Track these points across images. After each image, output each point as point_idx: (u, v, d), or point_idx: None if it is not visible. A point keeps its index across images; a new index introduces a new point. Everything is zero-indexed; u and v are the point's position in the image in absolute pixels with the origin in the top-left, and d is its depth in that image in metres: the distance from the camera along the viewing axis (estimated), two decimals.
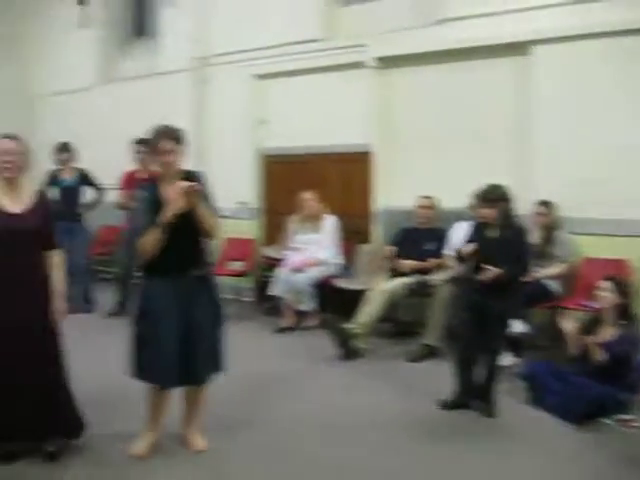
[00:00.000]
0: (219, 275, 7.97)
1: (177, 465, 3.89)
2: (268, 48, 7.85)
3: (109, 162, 8.07)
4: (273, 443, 4.17)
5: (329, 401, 4.93)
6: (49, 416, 3.87)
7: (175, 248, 3.80)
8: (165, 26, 9.24)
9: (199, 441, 4.11)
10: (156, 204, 3.79)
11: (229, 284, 7.86)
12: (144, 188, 3.95)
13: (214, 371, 4.02)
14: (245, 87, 8.22)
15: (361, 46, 7.23)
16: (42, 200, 3.97)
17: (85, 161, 8.16)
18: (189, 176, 3.88)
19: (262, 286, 7.68)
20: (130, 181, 7.27)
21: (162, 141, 3.83)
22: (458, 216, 6.16)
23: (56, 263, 3.97)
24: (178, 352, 3.82)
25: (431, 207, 6.56)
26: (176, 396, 4.08)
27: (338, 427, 4.42)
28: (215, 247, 5.00)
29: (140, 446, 3.98)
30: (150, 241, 3.77)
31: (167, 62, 9.04)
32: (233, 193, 7.83)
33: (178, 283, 3.85)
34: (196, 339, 3.87)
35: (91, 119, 9.84)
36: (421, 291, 6.11)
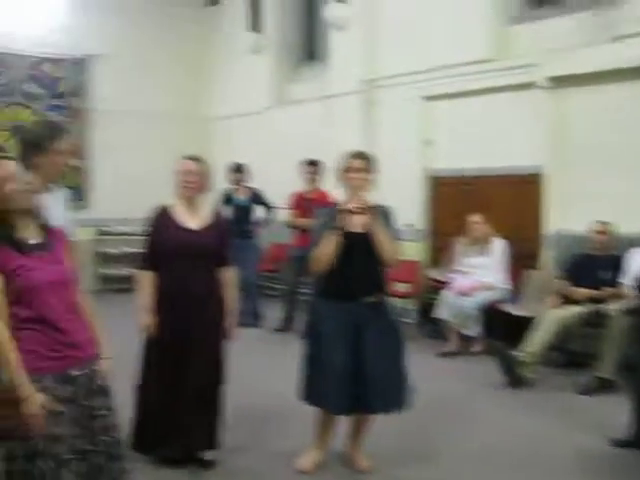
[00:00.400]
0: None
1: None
2: (436, 69, 7.82)
3: (279, 182, 8.37)
4: (439, 472, 4.14)
5: (492, 430, 4.81)
6: (207, 427, 4.02)
7: (350, 272, 3.82)
8: (335, 49, 9.45)
9: (363, 461, 4.11)
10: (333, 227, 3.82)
11: (393, 305, 7.87)
12: (325, 211, 4.03)
13: (391, 405, 3.96)
14: (413, 108, 8.23)
15: (532, 66, 7.04)
16: (218, 219, 4.17)
17: (257, 181, 8.49)
18: (375, 209, 3.89)
19: (426, 308, 7.61)
20: (299, 201, 7.48)
21: (354, 160, 3.92)
22: (637, 242, 5.83)
23: (229, 280, 4.13)
24: (348, 379, 3.79)
25: (607, 233, 6.24)
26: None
27: (501, 457, 4.32)
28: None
29: (307, 462, 4.04)
30: (324, 251, 3.79)
31: (337, 85, 9.23)
32: (400, 214, 7.78)
33: (350, 309, 3.85)
34: (367, 368, 3.81)
35: (263, 141, 10.22)
36: (595, 321, 5.82)
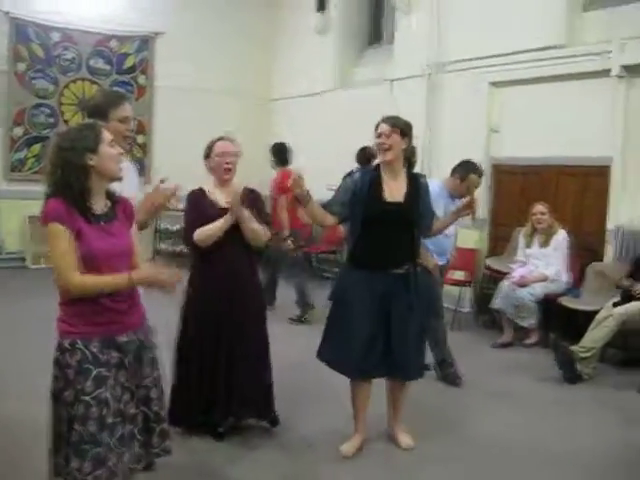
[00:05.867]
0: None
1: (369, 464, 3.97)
2: (504, 55, 7.65)
3: (338, 165, 8.29)
4: (474, 460, 4.09)
5: (543, 424, 4.73)
6: (264, 397, 4.21)
7: (383, 242, 3.84)
8: (400, 33, 9.34)
9: (405, 438, 4.17)
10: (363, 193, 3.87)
11: (449, 293, 7.78)
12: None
13: (413, 374, 4.07)
14: (479, 95, 8.07)
15: (605, 53, 6.80)
16: (250, 195, 4.18)
17: (315, 163, 8.43)
18: (414, 177, 3.99)
19: (483, 298, 7.51)
20: None
21: (381, 124, 3.93)
22: None
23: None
24: (371, 345, 3.84)
25: None
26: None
27: (551, 451, 4.25)
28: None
29: (349, 447, 4.06)
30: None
31: (401, 68, 9.14)
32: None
33: (379, 278, 3.86)
34: (393, 336, 3.87)
35: (324, 123, 10.18)
36: None
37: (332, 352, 3.96)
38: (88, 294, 2.62)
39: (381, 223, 3.84)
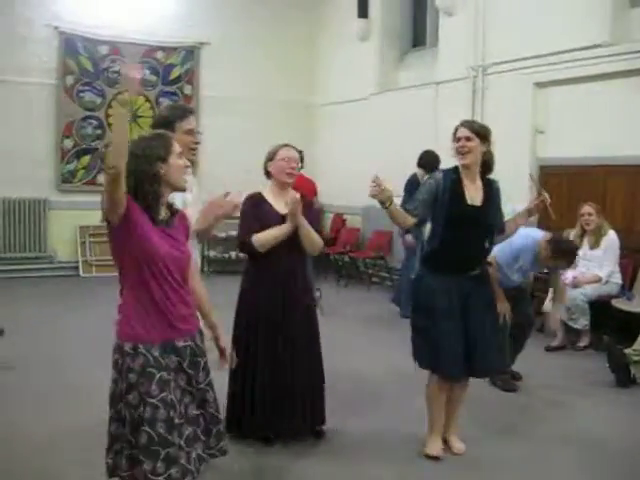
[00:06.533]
0: None
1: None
2: (548, 55, 7.59)
3: (383, 169, 8.29)
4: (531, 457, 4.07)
5: (592, 428, 4.67)
6: (315, 403, 4.24)
7: (462, 246, 3.89)
8: (443, 35, 9.32)
9: (457, 444, 4.18)
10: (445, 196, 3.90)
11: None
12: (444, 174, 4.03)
13: (498, 365, 4.20)
14: (524, 95, 8.01)
15: None
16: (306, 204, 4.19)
17: (359, 167, 8.45)
18: (489, 182, 4.03)
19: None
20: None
21: (460, 128, 3.95)
22: None
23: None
24: (460, 345, 3.90)
25: None
26: None
27: (601, 455, 4.21)
28: None
29: (433, 448, 4.10)
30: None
31: (445, 71, 9.12)
32: (508, 204, 7.62)
33: (458, 281, 3.93)
34: (473, 333, 3.93)
35: (368, 128, 10.20)
36: None
37: (430, 358, 3.98)
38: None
39: (462, 226, 3.87)
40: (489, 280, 4.19)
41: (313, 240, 4.09)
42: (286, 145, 4.23)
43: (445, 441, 4.20)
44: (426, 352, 3.97)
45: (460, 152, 3.92)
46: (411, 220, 3.98)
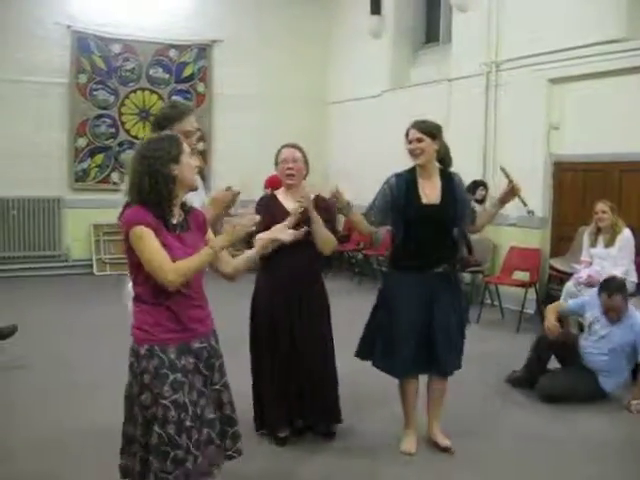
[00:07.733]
0: (501, 284, 7.85)
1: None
2: (563, 51, 7.52)
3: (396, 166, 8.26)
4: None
5: (585, 424, 4.70)
6: (329, 401, 4.22)
7: (424, 243, 3.92)
8: (456, 31, 9.27)
9: (442, 439, 4.19)
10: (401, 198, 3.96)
11: (512, 294, 7.69)
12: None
13: (455, 367, 4.12)
14: (538, 92, 7.95)
15: None
16: (321, 203, 4.20)
17: (372, 164, 8.42)
18: (448, 176, 4.05)
19: (547, 299, 7.36)
20: None
21: (411, 130, 4.00)
22: None
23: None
24: (417, 343, 3.93)
25: None
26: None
27: (597, 451, 4.22)
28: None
29: (408, 444, 4.14)
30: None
31: (458, 68, 9.07)
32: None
33: (422, 279, 3.95)
34: (435, 331, 3.94)
35: (380, 125, 10.16)
36: None
37: (381, 357, 4.05)
38: (187, 278, 2.68)
39: (420, 226, 3.93)
40: (457, 279, 4.19)
41: (325, 239, 4.08)
42: (287, 145, 4.24)
43: (432, 438, 4.22)
44: (379, 351, 4.04)
45: (413, 154, 3.98)
46: (370, 227, 4.09)
